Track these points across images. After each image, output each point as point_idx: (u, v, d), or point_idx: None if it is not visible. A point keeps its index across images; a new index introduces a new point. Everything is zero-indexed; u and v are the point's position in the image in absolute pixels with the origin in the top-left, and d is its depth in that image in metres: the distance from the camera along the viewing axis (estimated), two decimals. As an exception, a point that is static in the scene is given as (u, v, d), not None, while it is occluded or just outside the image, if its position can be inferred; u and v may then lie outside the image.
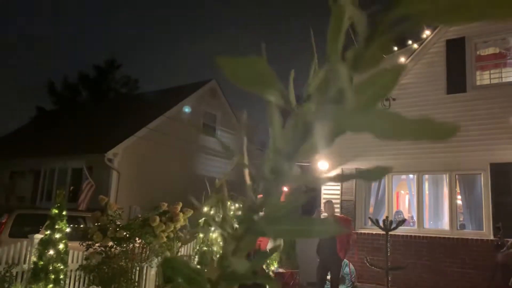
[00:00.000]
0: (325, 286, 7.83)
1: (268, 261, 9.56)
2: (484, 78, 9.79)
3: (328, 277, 7.81)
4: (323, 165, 11.13)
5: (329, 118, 0.39)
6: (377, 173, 0.41)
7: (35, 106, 32.76)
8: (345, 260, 9.90)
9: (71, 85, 33.63)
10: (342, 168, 10.89)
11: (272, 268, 9.86)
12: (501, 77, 9.59)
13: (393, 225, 7.53)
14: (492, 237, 8.53)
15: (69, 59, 56.79)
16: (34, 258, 6.54)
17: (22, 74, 58.15)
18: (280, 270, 10.03)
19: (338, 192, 10.77)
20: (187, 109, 15.87)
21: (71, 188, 14.50)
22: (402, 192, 12.74)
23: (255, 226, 0.41)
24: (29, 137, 19.03)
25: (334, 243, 7.37)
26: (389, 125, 0.37)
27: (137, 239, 6.87)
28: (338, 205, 10.58)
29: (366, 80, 0.38)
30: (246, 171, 0.46)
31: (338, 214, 8.09)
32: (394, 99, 10.44)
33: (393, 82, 0.39)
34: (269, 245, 7.04)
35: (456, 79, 9.74)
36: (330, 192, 10.85)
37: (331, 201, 8.47)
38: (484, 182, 9.08)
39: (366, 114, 0.37)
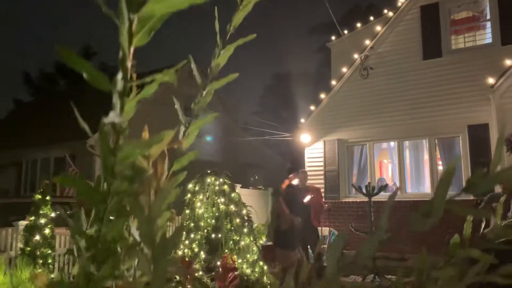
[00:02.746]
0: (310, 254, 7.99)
1: (256, 236, 9.69)
2: (459, 42, 9.91)
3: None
4: (305, 137, 11.25)
5: None
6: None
7: (11, 99, 32.10)
8: (332, 229, 10.10)
9: (47, 75, 32.99)
10: (324, 140, 11.01)
11: (261, 241, 10.00)
12: (475, 40, 9.73)
13: (376, 191, 7.68)
14: (471, 197, 8.76)
15: (42, 48, 55.55)
16: (20, 245, 6.52)
17: (-4, 66, 56.74)
18: (269, 243, 10.19)
19: (321, 163, 10.90)
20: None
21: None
22: (385, 161, 12.93)
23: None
24: (8, 130, 18.70)
25: (308, 212, 7.49)
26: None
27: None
28: (322, 176, 10.73)
29: None
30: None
31: (309, 184, 8.21)
32: (371, 68, 10.52)
33: None
34: None
35: (432, 44, 9.84)
36: (313, 164, 10.99)
37: (306, 171, 8.56)
38: (462, 144, 9.29)
39: None
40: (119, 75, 0.50)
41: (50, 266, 6.57)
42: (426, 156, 10.00)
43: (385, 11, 11.10)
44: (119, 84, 0.50)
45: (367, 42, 10.73)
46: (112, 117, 0.50)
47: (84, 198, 0.55)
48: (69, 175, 0.57)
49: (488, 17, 9.59)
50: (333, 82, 11.23)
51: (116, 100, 0.50)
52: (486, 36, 9.65)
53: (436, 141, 9.79)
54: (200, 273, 6.90)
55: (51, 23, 59.72)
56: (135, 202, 0.47)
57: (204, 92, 0.64)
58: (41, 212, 6.58)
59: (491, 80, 8.66)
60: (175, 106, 0.69)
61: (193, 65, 0.69)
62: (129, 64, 0.51)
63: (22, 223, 6.84)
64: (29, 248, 6.39)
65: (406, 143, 10.31)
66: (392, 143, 10.84)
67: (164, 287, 0.43)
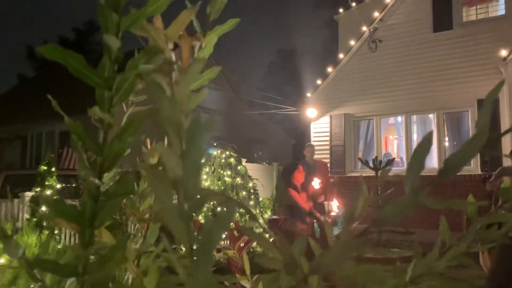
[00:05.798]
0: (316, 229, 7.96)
1: (262, 209, 9.69)
2: (470, 14, 9.64)
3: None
4: (311, 112, 11.13)
5: None
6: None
7: (15, 74, 31.99)
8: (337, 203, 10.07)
9: (51, 50, 32.75)
10: (330, 115, 10.89)
11: (266, 215, 10.01)
12: (488, 12, 9.46)
13: (383, 164, 7.60)
14: (480, 172, 8.69)
15: (47, 23, 54.99)
16: (26, 216, 6.53)
17: (-1, 42, 56.36)
18: (274, 217, 10.20)
19: (327, 138, 10.81)
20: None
21: (60, 151, 14.38)
22: (391, 137, 12.82)
23: None
24: (13, 104, 18.66)
25: None
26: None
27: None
28: (328, 151, 10.66)
29: None
30: None
31: (316, 158, 8.08)
32: (380, 41, 10.31)
33: None
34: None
35: (443, 16, 9.59)
36: (319, 138, 10.90)
37: (312, 145, 8.44)
38: (471, 119, 9.14)
39: None
40: None
41: (57, 237, 6.60)
42: (434, 132, 9.86)
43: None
44: None
45: (376, 14, 10.47)
46: None
47: (79, 77, 0.45)
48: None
49: (502, -13, 9.30)
50: (341, 56, 11.03)
51: None
52: (499, 7, 9.38)
53: (444, 116, 9.64)
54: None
55: (53, -3, 58.93)
56: (154, 81, 0.38)
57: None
58: (46, 183, 6.57)
59: (503, 53, 8.45)
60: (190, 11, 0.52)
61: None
62: None
63: (28, 194, 6.84)
64: (35, 219, 6.39)
65: (414, 117, 10.17)
66: (399, 118, 10.70)
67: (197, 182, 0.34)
